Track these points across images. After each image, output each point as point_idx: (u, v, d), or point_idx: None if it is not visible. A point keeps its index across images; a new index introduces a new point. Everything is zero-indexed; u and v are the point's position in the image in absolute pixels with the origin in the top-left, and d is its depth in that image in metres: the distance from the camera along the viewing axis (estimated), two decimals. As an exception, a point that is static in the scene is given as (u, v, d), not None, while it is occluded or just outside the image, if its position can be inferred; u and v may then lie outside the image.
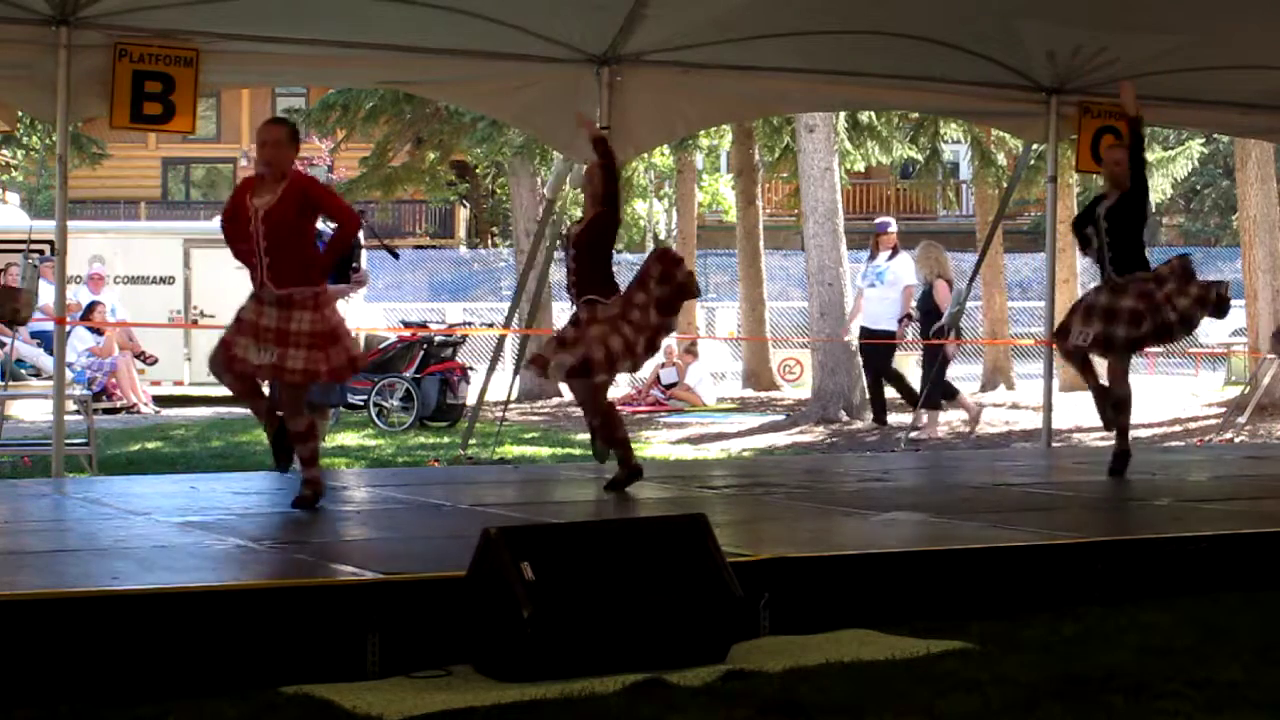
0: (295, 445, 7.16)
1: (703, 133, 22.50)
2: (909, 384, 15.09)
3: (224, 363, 6.97)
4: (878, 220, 16.35)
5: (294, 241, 6.91)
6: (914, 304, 14.81)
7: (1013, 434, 15.78)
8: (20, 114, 9.50)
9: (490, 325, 23.65)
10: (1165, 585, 6.19)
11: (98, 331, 17.85)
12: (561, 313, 19.62)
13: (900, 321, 14.83)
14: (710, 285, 35.34)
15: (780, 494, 8.30)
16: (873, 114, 20.50)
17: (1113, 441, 9.13)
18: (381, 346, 17.90)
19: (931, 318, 14.49)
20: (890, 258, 15.17)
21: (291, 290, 6.86)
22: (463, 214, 40.57)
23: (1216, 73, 10.78)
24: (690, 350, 21.48)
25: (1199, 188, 38.00)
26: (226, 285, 21.84)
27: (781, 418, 17.90)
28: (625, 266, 37.15)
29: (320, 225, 10.49)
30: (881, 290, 15.09)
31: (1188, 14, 10.13)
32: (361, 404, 16.54)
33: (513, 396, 14.34)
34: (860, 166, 23.17)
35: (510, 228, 27.41)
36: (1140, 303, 8.64)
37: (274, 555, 5.80)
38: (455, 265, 38.12)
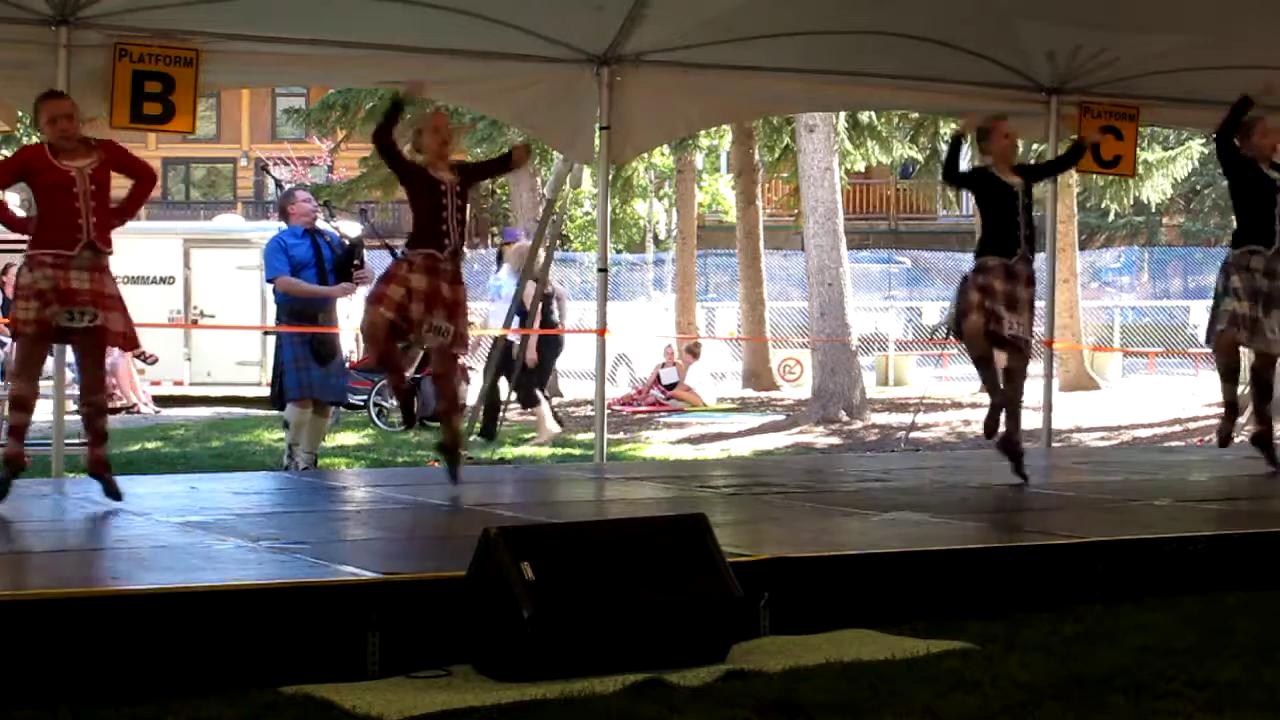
0: (101, 419, 7.28)
1: (703, 133, 22.51)
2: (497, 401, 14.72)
3: (35, 326, 6.93)
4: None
5: (108, 201, 7.05)
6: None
7: (1013, 434, 15.77)
8: (20, 114, 9.50)
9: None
10: (1165, 585, 6.19)
11: (98, 331, 17.82)
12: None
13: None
14: (710, 285, 35.31)
15: (780, 494, 8.29)
16: (873, 114, 20.50)
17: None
18: (382, 346, 17.87)
19: (523, 317, 13.94)
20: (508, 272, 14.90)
21: (103, 253, 6.94)
22: (462, 214, 40.52)
23: (1216, 73, 10.75)
24: (690, 350, 21.48)
25: (1199, 188, 37.96)
26: (226, 285, 21.89)
27: (781, 418, 17.91)
28: (624, 266, 36.89)
29: (325, 226, 10.52)
30: (499, 305, 14.86)
31: (1188, 14, 10.13)
32: (361, 404, 16.54)
33: (512, 397, 14.35)
34: (860, 166, 23.19)
35: (510, 228, 27.36)
36: (1030, 293, 8.39)
37: (274, 555, 5.80)
38: (455, 265, 38.01)
